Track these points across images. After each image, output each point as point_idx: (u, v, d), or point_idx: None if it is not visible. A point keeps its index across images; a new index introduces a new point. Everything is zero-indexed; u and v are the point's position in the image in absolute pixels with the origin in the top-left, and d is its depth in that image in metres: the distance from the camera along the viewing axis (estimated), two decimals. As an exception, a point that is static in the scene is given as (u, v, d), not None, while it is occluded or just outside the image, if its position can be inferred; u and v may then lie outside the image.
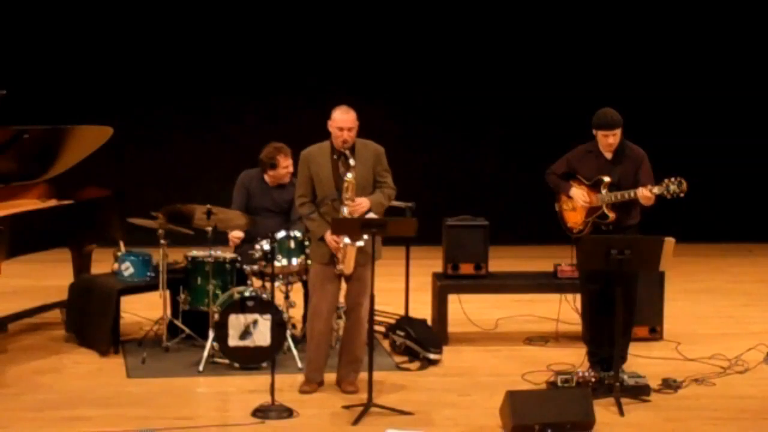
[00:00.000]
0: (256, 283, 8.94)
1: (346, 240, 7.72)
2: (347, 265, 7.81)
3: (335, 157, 7.84)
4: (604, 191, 8.18)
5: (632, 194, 8.08)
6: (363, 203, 7.78)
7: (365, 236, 7.70)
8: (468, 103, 13.33)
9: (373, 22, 13.16)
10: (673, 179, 8.01)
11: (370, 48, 13.16)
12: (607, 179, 8.19)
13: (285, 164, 9.06)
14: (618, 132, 8.14)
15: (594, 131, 8.21)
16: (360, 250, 7.79)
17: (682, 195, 8.03)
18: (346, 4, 13.14)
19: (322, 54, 13.10)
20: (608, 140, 8.15)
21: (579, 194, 8.29)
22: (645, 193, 8.04)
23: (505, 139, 13.45)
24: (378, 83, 13.03)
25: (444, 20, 13.25)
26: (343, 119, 7.79)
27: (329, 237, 7.77)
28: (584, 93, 12.71)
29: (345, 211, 7.74)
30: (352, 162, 7.72)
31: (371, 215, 7.78)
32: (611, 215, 8.19)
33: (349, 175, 7.72)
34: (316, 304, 7.99)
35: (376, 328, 9.05)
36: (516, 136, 13.37)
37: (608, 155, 8.24)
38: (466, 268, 9.36)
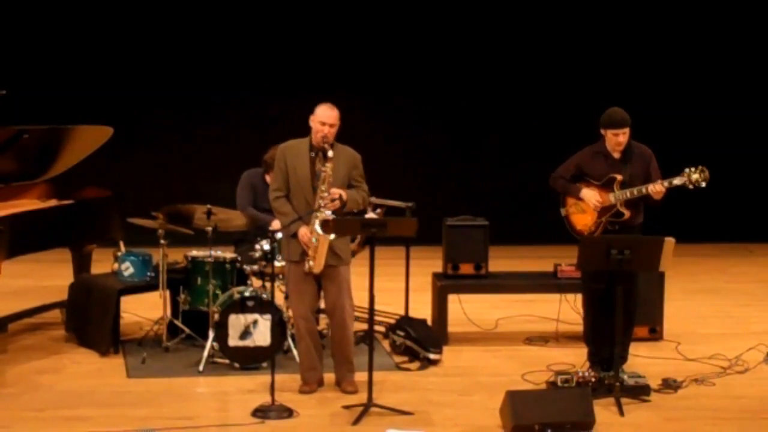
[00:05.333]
0: (256, 283, 8.95)
1: (318, 230, 7.71)
2: (318, 263, 7.80)
3: (313, 154, 7.85)
4: (617, 189, 8.17)
5: (644, 190, 8.06)
6: (337, 192, 7.77)
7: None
8: (468, 103, 13.33)
9: (373, 22, 13.16)
10: (693, 168, 7.99)
11: (371, 48, 13.15)
12: (619, 177, 8.16)
13: None
14: (627, 131, 8.13)
15: (603, 131, 8.19)
16: (331, 251, 7.79)
17: (704, 184, 8.00)
18: (346, 4, 13.14)
19: (323, 54, 13.10)
20: (618, 139, 8.13)
21: (591, 195, 8.25)
22: (657, 188, 8.02)
23: (506, 139, 13.44)
24: (379, 83, 13.03)
25: (444, 20, 13.25)
26: (326, 115, 7.82)
27: (303, 231, 7.77)
28: (584, 93, 12.73)
29: (321, 203, 7.74)
30: (330, 154, 7.73)
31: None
32: (627, 213, 8.17)
33: (328, 165, 7.73)
34: (296, 308, 8.02)
35: (376, 328, 9.06)
36: (516, 136, 13.37)
37: (617, 155, 8.22)
38: (466, 268, 9.36)
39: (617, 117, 8.13)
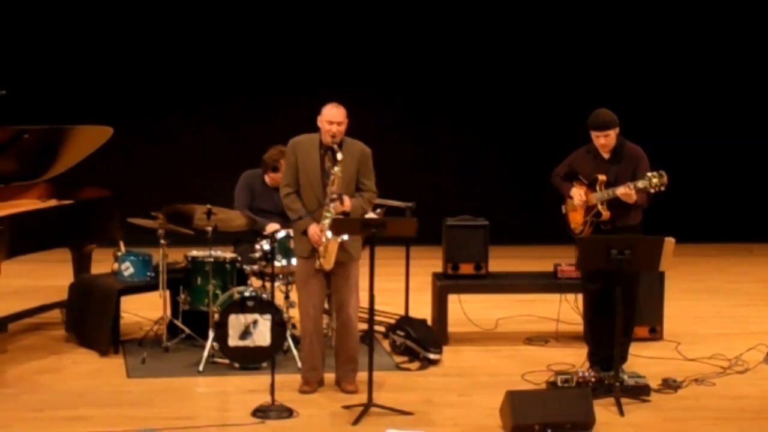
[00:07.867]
0: (256, 283, 8.94)
1: (329, 234, 7.72)
2: (327, 260, 7.81)
3: (322, 151, 7.86)
4: (599, 189, 8.18)
5: (615, 192, 8.06)
6: (346, 203, 7.78)
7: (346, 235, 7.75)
8: (468, 103, 13.34)
9: (374, 22, 13.16)
10: (654, 172, 8.01)
11: (371, 48, 13.16)
12: (602, 177, 8.19)
13: None
14: (611, 133, 8.14)
15: (590, 131, 8.23)
16: (341, 247, 7.79)
17: (663, 188, 8.00)
18: (346, 3, 13.14)
19: (323, 53, 13.11)
20: (600, 141, 8.17)
21: (577, 193, 8.29)
22: (624, 190, 8.03)
23: (506, 139, 13.45)
24: (379, 83, 13.03)
25: (445, 20, 13.25)
26: (333, 113, 7.83)
27: (313, 230, 7.77)
28: (584, 93, 12.71)
29: (331, 206, 7.74)
30: (339, 156, 7.74)
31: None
32: (605, 213, 8.17)
33: (336, 169, 7.74)
34: (303, 304, 8.01)
35: (376, 328, 9.06)
36: (516, 136, 13.37)
37: (606, 155, 8.24)
38: (466, 268, 9.36)
39: (599, 119, 8.14)
